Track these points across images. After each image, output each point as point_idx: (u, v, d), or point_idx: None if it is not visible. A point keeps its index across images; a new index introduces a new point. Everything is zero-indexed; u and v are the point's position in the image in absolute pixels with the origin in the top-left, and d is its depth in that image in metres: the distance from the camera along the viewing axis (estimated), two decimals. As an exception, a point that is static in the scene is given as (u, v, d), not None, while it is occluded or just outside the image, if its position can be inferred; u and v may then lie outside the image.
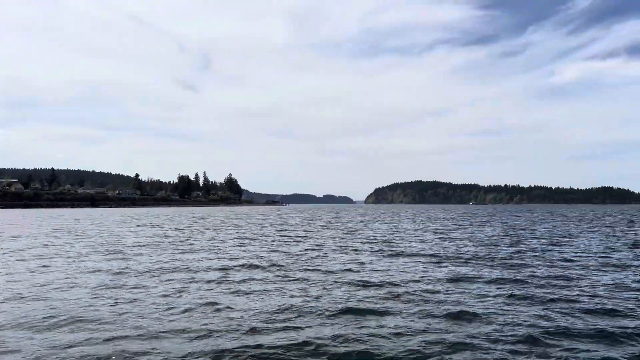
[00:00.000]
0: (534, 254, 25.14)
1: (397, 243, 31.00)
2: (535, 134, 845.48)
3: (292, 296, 13.42)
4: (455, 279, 16.87)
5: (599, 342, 9.69)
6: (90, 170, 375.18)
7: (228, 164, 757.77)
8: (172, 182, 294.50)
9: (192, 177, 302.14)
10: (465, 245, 29.62)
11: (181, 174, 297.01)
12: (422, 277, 17.23)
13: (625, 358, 8.87)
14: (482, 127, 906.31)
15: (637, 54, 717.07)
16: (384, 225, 56.83)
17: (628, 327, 10.70)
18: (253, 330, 9.88)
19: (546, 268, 19.75)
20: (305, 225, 56.51)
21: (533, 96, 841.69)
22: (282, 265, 19.61)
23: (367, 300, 13.05)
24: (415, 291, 14.46)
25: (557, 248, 28.29)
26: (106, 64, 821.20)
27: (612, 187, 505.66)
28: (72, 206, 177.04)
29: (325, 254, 24.54)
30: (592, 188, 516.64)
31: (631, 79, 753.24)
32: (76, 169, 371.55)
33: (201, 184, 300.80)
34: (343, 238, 35.44)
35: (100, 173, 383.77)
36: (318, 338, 9.35)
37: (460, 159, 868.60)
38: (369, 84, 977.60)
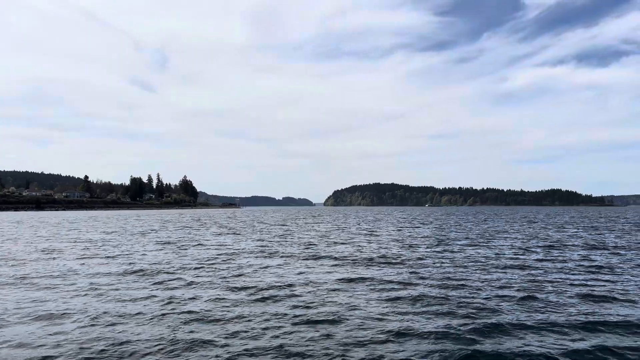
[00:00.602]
0: (447, 255, 25.36)
1: (320, 246, 30.64)
2: (489, 138, 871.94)
3: (153, 302, 12.81)
4: (346, 281, 16.67)
5: (431, 342, 9.63)
6: (39, 172, 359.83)
7: (185, 165, 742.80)
8: (123, 184, 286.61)
9: (145, 179, 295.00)
10: (385, 248, 29.60)
11: (134, 176, 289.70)
12: (314, 280, 16.92)
13: (444, 356, 8.79)
14: (439, 131, 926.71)
15: (585, 62, 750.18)
16: (322, 227, 56.58)
17: (472, 327, 10.68)
18: (58, 337, 9.28)
19: (447, 269, 19.83)
20: (246, 228, 55.65)
21: (487, 101, 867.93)
22: (172, 272, 18.81)
23: (229, 305, 12.65)
24: (293, 294, 14.15)
25: (472, 249, 28.68)
26: (57, 61, 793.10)
27: (560, 190, 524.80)
28: (16, 209, 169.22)
29: (237, 258, 23.94)
30: (541, 190, 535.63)
31: (579, 85, 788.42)
32: (23, 170, 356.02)
33: (155, 186, 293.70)
34: (272, 241, 34.92)
35: (50, 175, 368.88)
36: (129, 347, 8.81)
37: (417, 161, 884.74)
38: (328, 87, 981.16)
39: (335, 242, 33.58)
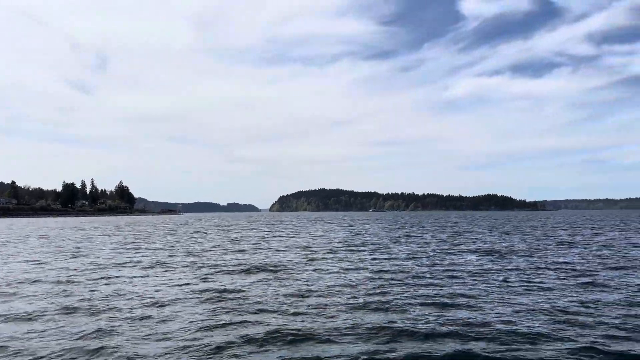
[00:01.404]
0: (334, 260, 24.98)
1: (213, 255, 29.23)
2: (430, 145, 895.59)
3: None
4: (193, 292, 15.77)
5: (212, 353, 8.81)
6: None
7: (126, 171, 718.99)
8: (56, 190, 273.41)
9: (79, 185, 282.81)
10: (282, 254, 28.80)
11: (66, 182, 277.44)
12: (161, 293, 15.84)
13: None
14: (383, 137, 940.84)
15: (519, 73, 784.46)
16: (243, 233, 55.18)
17: (267, 336, 10.10)
18: None
19: (316, 275, 19.33)
20: (159, 236, 53.48)
21: (428, 109, 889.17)
22: (7, 287, 17.17)
23: (20, 322, 11.37)
24: (113, 308, 13.13)
25: (368, 254, 28.60)
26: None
27: (496, 195, 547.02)
28: None
29: (107, 269, 22.44)
30: (478, 195, 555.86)
31: (513, 95, 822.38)
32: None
33: (88, 192, 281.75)
34: (172, 249, 33.40)
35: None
36: None
37: (362, 167, 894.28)
38: (274, 92, 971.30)
39: (236, 250, 32.42)
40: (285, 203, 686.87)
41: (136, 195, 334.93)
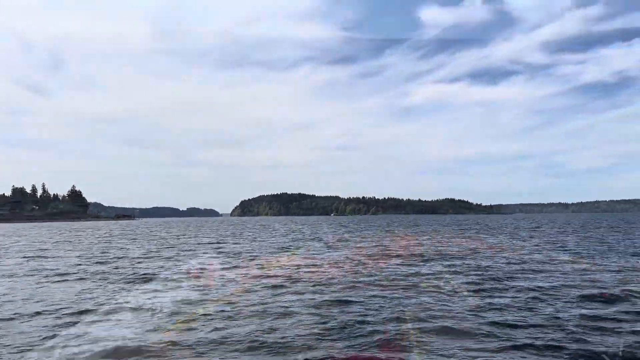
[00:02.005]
0: (251, 267, 23.89)
1: (123, 265, 27.61)
2: (391, 150, 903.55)
3: None
4: (56, 302, 14.35)
5: None
6: None
7: (79, 175, 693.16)
8: (4, 195, 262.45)
9: (29, 190, 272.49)
10: (196, 262, 27.55)
11: (16, 186, 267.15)
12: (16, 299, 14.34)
13: None
14: (344, 142, 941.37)
15: (477, 80, 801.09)
16: (180, 240, 53.40)
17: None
18: None
19: (215, 283, 18.14)
20: (89, 243, 51.21)
21: (389, 114, 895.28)
22: None
23: None
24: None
25: (303, 259, 27.54)
26: None
27: (454, 199, 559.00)
28: None
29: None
30: (437, 199, 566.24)
31: (471, 101, 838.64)
32: None
33: (39, 197, 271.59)
34: (89, 259, 31.54)
35: None
36: None
37: (324, 172, 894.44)
38: (235, 95, 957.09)
39: (163, 257, 30.93)
40: (247, 207, 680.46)
41: (91, 200, 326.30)
